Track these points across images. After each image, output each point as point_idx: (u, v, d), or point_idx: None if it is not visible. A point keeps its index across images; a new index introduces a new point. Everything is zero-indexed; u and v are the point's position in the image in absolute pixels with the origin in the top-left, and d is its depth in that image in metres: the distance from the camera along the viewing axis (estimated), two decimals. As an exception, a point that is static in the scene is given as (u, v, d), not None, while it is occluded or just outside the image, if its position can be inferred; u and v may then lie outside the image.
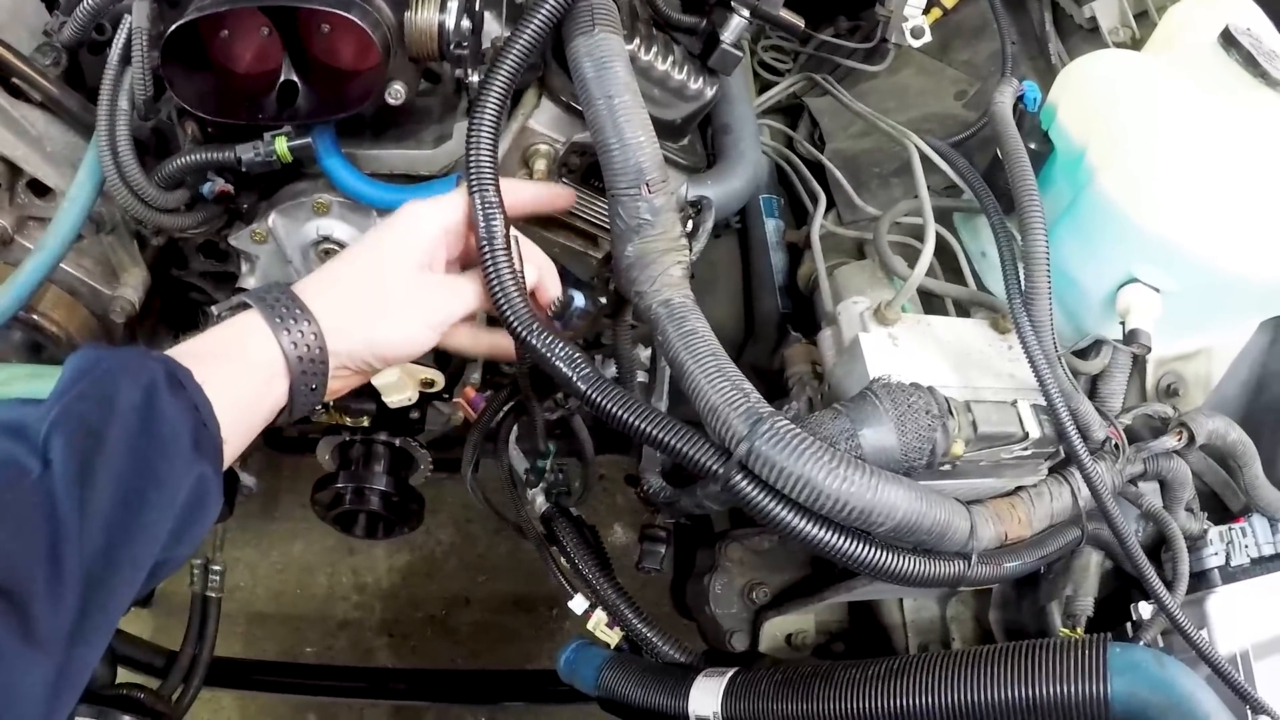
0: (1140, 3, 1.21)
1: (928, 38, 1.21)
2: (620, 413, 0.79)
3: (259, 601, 1.97)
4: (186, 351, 0.68)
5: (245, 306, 0.73)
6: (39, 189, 1.05)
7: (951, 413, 0.81)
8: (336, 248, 1.02)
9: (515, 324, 0.80)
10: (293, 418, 0.75)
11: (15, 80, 1.00)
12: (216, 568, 1.35)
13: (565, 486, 1.06)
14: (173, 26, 0.86)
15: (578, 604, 1.05)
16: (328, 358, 0.74)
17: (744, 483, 0.75)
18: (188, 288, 1.18)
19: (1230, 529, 1.07)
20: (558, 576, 1.06)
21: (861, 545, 0.76)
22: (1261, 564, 1.08)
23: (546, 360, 0.81)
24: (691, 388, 0.77)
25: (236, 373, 0.70)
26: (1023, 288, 0.90)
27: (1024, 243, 0.90)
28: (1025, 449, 0.88)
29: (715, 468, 0.75)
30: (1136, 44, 1.20)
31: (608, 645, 1.07)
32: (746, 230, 1.23)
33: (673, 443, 0.77)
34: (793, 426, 0.74)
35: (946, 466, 0.84)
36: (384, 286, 0.78)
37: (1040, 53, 1.23)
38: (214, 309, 0.77)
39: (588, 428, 1.06)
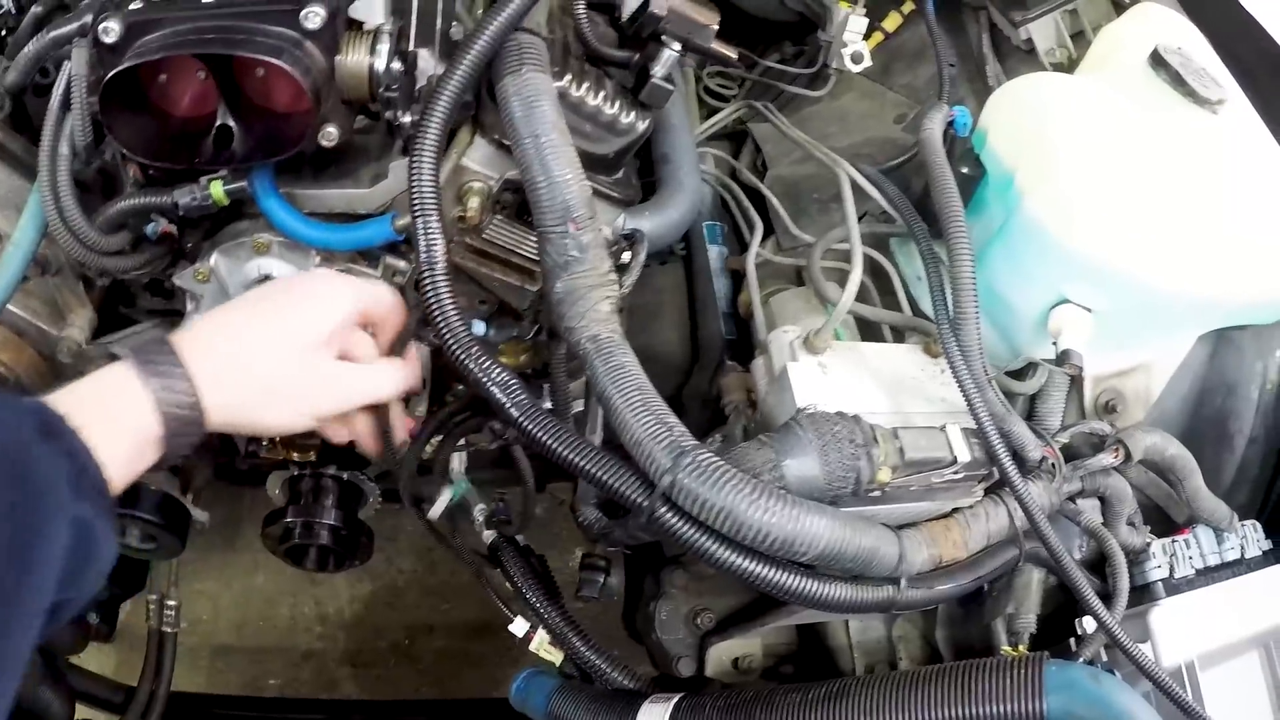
0: (1076, 23, 1.25)
1: (868, 62, 1.25)
2: (550, 442, 0.82)
3: (222, 634, 1.99)
4: (60, 400, 0.68)
5: (125, 356, 0.73)
6: (-17, 232, 1.08)
7: (877, 440, 0.84)
8: (278, 286, 1.05)
9: (454, 346, 0.83)
10: (167, 465, 0.75)
11: (-41, 126, 1.03)
12: (171, 603, 1.37)
13: (506, 515, 1.09)
14: (110, 73, 0.89)
15: (518, 627, 1.09)
16: (203, 421, 0.74)
17: (668, 514, 0.78)
18: (135, 324, 1.20)
19: (1173, 541, 1.10)
20: (495, 601, 1.09)
21: (786, 574, 0.80)
22: (1207, 574, 1.11)
23: (482, 385, 0.84)
24: (617, 421, 0.80)
25: (108, 430, 0.69)
26: (950, 313, 0.94)
27: (951, 269, 0.93)
28: (956, 472, 0.91)
29: (640, 500, 0.78)
30: (1073, 64, 1.23)
31: (552, 664, 1.10)
32: (691, 257, 1.26)
33: (599, 474, 0.80)
34: (715, 459, 0.77)
35: (876, 493, 0.87)
36: (271, 364, 0.78)
37: (979, 75, 1.27)
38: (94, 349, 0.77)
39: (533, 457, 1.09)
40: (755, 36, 1.40)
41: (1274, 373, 1.17)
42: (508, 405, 0.82)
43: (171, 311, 1.16)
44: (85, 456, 0.66)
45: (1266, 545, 1.16)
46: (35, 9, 1.14)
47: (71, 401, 0.68)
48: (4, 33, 1.18)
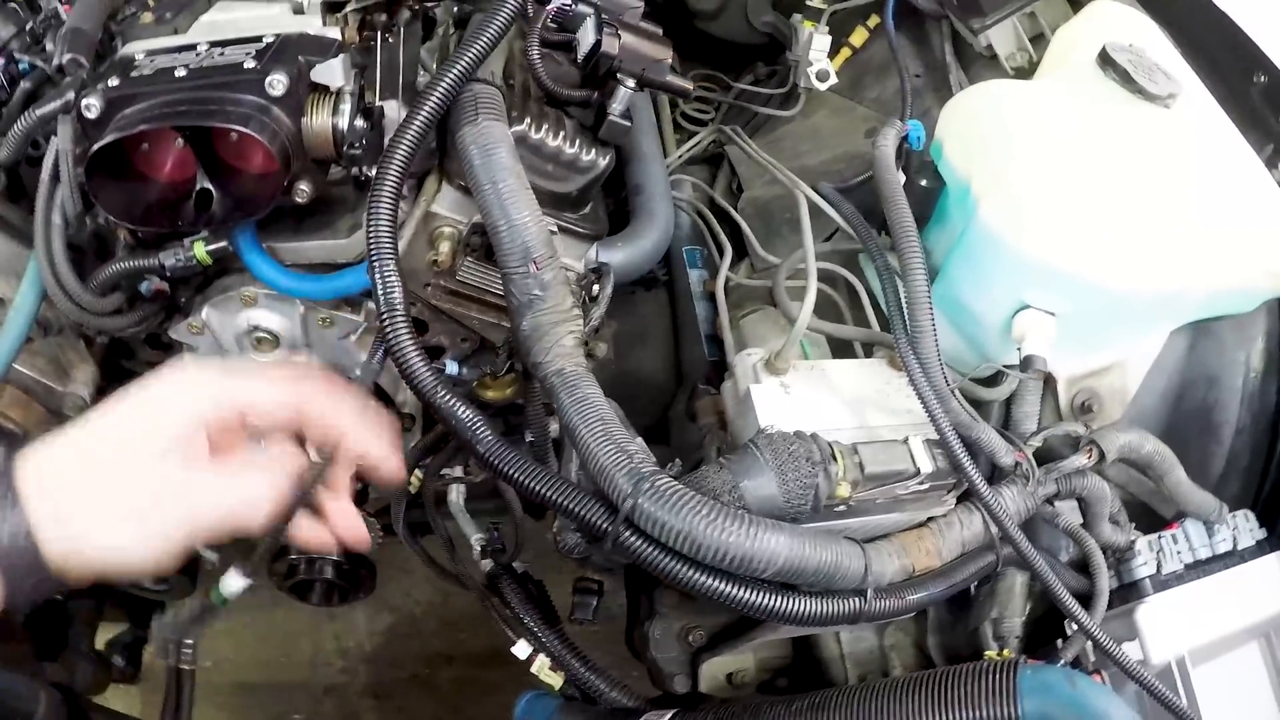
0: (1036, 25, 1.29)
1: (834, 80, 1.30)
2: (515, 474, 0.87)
3: (245, 671, 2.06)
4: None
5: None
6: (-14, 298, 1.16)
7: (835, 457, 0.88)
8: (268, 335, 1.11)
9: (422, 388, 0.88)
10: (22, 610, 0.66)
11: (-42, 200, 1.11)
12: (188, 641, 1.43)
13: (499, 544, 1.14)
14: (94, 147, 0.97)
15: (520, 649, 1.14)
16: (40, 555, 0.64)
17: (632, 538, 0.83)
18: (136, 377, 1.27)
19: (1159, 537, 1.12)
20: (501, 626, 1.14)
21: (749, 590, 0.84)
22: (1197, 568, 1.13)
23: (449, 423, 0.89)
24: (583, 450, 0.85)
25: None
26: (907, 326, 0.98)
27: (905, 283, 0.97)
28: (921, 483, 0.95)
29: (604, 525, 0.83)
30: (1034, 66, 1.27)
31: (552, 688, 1.14)
32: (673, 282, 1.31)
33: (565, 503, 0.85)
34: (673, 483, 0.82)
35: (840, 508, 0.91)
36: (110, 478, 0.67)
37: (945, 84, 1.31)
38: None
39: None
40: (728, 60, 1.45)
41: (1257, 361, 1.19)
42: (474, 442, 0.88)
43: (170, 364, 1.24)
44: None
45: (1260, 534, 1.17)
46: (24, 84, 1.22)
47: None
48: (-4, 106, 1.26)
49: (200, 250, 1.02)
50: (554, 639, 1.14)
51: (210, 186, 1.01)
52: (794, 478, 0.86)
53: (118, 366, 1.25)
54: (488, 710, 1.95)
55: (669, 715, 1.06)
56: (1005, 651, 1.10)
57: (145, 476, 0.67)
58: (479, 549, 1.20)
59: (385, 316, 0.88)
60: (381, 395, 1.17)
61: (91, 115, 0.98)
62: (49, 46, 1.24)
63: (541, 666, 1.14)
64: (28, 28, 1.29)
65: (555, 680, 1.14)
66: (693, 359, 1.27)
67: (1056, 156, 1.01)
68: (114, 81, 1.00)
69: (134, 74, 1.01)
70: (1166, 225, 1.01)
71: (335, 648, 2.08)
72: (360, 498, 1.24)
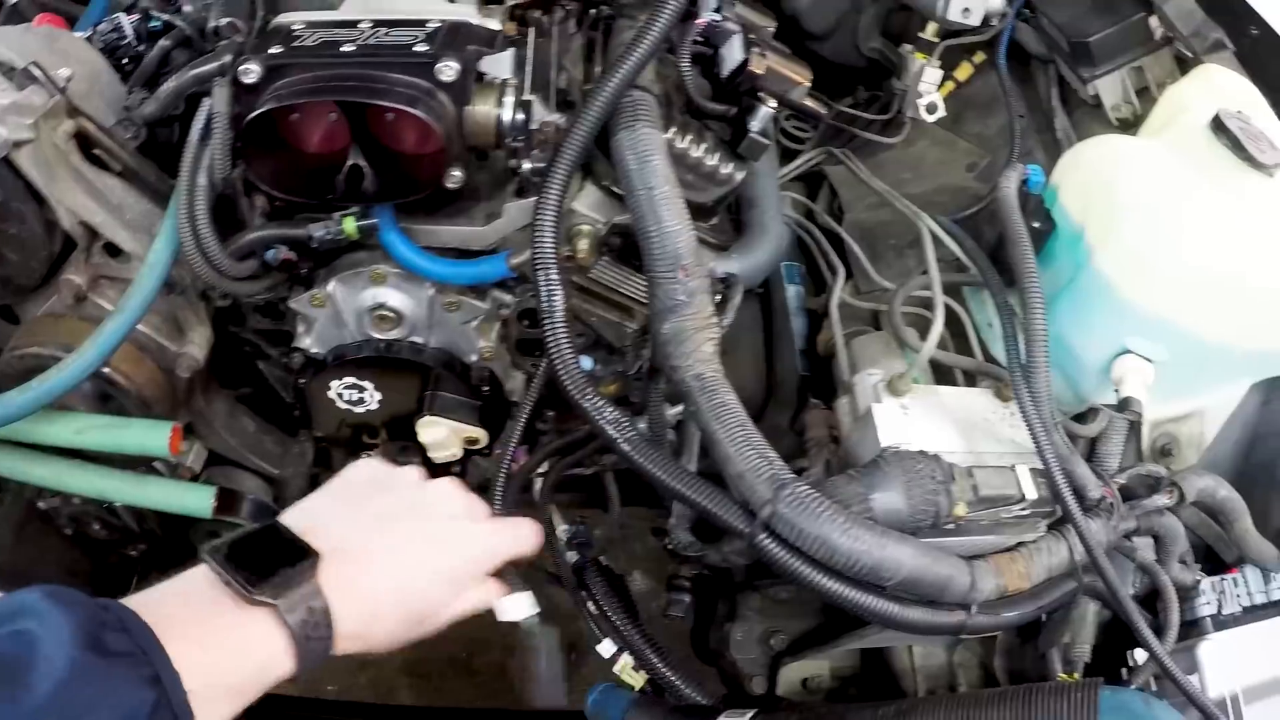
0: (1141, 79, 1.38)
1: (942, 113, 1.39)
2: (661, 475, 0.95)
3: (281, 643, 2.10)
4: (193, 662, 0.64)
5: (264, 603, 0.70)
6: (113, 250, 1.21)
7: (954, 478, 0.97)
8: (391, 314, 1.18)
9: (571, 388, 0.97)
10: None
11: (97, 151, 1.16)
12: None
13: (586, 537, 1.22)
14: (253, 113, 1.03)
15: (606, 648, 1.20)
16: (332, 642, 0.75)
17: (767, 541, 0.91)
18: (243, 343, 1.34)
19: (1222, 579, 1.22)
20: (589, 622, 1.21)
21: (872, 597, 0.92)
22: (1254, 612, 1.22)
23: (595, 422, 0.97)
24: (721, 454, 0.93)
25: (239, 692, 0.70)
26: (1023, 360, 1.06)
27: (1025, 320, 1.07)
28: (1024, 509, 1.04)
29: (742, 528, 0.92)
30: (1138, 119, 1.36)
31: (633, 687, 1.22)
32: (769, 295, 1.39)
33: (706, 504, 0.93)
34: (812, 491, 0.90)
35: (951, 525, 1.00)
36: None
37: (1048, 127, 1.40)
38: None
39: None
40: (828, 80, 1.53)
41: (1328, 420, 1.29)
42: (619, 440, 0.96)
43: (279, 331, 1.30)
44: None
45: (1315, 588, 1.27)
46: (163, 42, 1.28)
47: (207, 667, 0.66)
48: (126, 61, 1.32)
49: (350, 225, 1.08)
50: (635, 634, 1.21)
51: (363, 164, 1.08)
52: (919, 494, 0.95)
53: (225, 331, 1.31)
54: (524, 698, 2.02)
55: (749, 715, 1.14)
56: (1074, 675, 1.19)
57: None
58: (564, 540, 1.27)
59: (546, 321, 0.96)
60: (494, 381, 1.24)
61: (249, 80, 1.04)
62: (185, 7, 1.31)
63: (624, 667, 1.21)
64: (157, -18, 1.35)
65: (636, 681, 1.20)
66: (785, 372, 1.35)
67: (1170, 214, 1.10)
68: (276, 50, 1.06)
69: (295, 44, 1.07)
70: (1265, 286, 1.10)
71: (374, 625, 2.12)
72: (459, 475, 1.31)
